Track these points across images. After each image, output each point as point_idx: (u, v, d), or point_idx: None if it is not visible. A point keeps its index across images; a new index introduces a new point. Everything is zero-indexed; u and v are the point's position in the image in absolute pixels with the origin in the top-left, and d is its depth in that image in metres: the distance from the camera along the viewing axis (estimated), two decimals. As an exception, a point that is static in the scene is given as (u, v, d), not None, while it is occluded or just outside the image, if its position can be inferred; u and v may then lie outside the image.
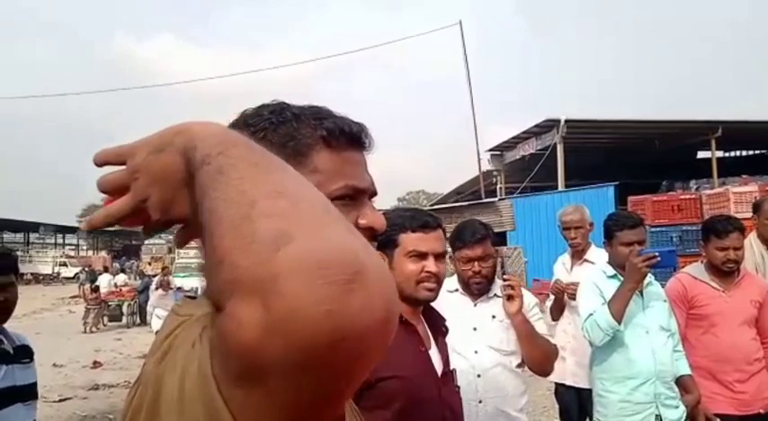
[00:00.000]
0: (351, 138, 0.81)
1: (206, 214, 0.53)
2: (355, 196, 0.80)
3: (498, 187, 20.70)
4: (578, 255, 3.78)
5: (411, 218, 1.81)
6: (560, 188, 16.68)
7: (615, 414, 2.74)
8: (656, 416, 2.68)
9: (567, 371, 3.44)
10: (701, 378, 2.89)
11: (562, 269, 3.91)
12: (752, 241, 3.65)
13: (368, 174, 0.84)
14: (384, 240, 1.78)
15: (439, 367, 1.74)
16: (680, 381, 2.82)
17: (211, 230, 0.51)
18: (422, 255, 1.77)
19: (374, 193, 0.85)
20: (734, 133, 16.32)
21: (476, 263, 2.45)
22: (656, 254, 2.64)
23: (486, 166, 20.76)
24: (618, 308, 2.67)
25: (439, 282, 1.82)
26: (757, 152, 22.02)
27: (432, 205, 26.27)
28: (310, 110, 0.82)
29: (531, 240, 14.77)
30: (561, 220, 3.90)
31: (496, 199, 17.28)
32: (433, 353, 1.76)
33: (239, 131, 0.77)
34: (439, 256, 1.81)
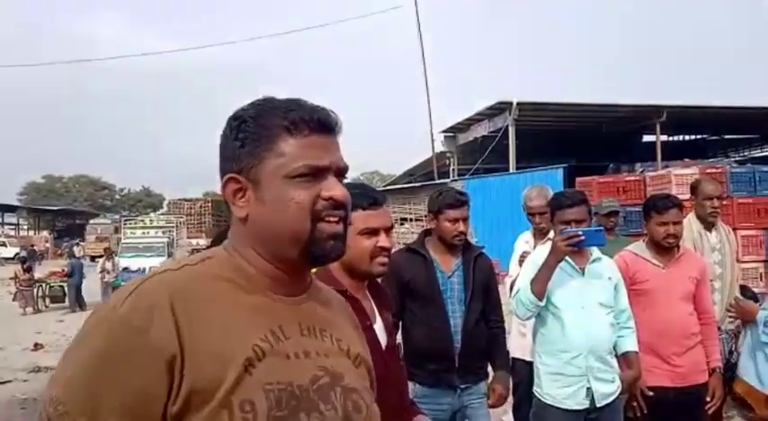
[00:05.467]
0: (313, 125, 0.96)
1: None
2: (316, 174, 0.96)
3: (451, 169, 20.87)
4: (542, 234, 3.83)
5: (360, 196, 1.81)
6: (511, 170, 16.94)
7: (548, 385, 2.81)
8: (588, 389, 2.75)
9: (528, 346, 3.48)
10: (642, 352, 2.97)
11: (525, 246, 3.96)
12: (690, 221, 3.77)
13: (333, 154, 0.99)
14: None
15: (383, 341, 1.75)
16: (624, 357, 2.90)
17: None
18: (374, 232, 1.80)
19: (340, 170, 1.00)
20: (677, 118, 16.84)
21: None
22: (580, 233, 2.66)
23: (440, 148, 20.89)
24: (537, 285, 2.72)
25: (390, 256, 1.87)
26: (698, 137, 22.85)
27: (385, 186, 26.31)
28: (286, 102, 0.99)
29: (483, 221, 14.97)
30: (527, 205, 3.93)
31: (449, 180, 17.42)
32: (378, 328, 1.77)
33: (228, 124, 1.00)
34: (388, 230, 1.84)
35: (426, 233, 3.03)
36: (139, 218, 34.84)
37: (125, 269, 15.52)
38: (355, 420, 0.96)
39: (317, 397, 0.92)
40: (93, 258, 28.34)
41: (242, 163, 0.96)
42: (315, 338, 0.98)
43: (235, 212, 0.98)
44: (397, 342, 1.90)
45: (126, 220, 32.85)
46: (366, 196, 1.82)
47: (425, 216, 3.07)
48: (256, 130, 0.96)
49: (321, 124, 0.98)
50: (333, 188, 0.97)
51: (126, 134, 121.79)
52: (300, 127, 0.96)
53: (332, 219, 0.97)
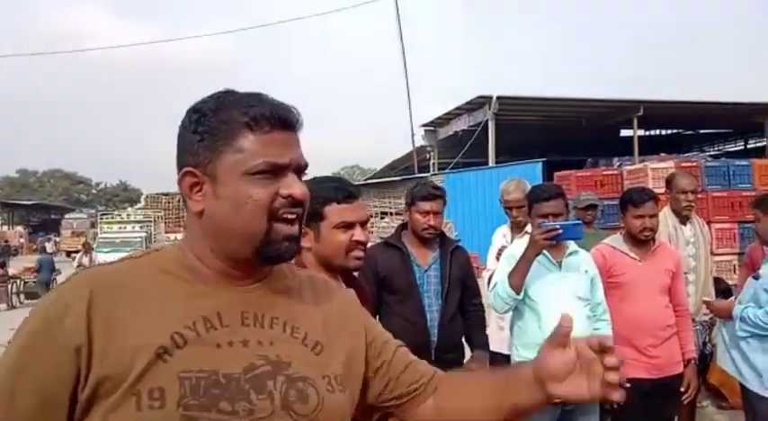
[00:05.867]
0: (274, 121, 0.96)
1: None
2: (276, 171, 0.95)
3: (431, 163, 20.90)
4: (519, 228, 3.83)
5: (335, 189, 1.81)
6: (491, 164, 17.01)
7: None
8: None
9: (506, 340, 3.48)
10: (618, 344, 2.99)
11: (502, 240, 3.97)
12: (666, 214, 3.82)
13: (293, 151, 0.98)
14: (311, 212, 1.76)
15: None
16: None
17: None
18: (349, 225, 1.80)
19: (300, 167, 0.99)
20: (654, 113, 17.04)
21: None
22: (557, 226, 2.66)
23: (420, 142, 20.89)
24: (515, 278, 2.73)
25: (365, 250, 1.86)
26: (675, 131, 23.16)
27: (366, 180, 26.28)
28: (247, 97, 0.97)
29: (463, 215, 15.05)
30: (504, 199, 3.94)
31: (429, 174, 17.45)
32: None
33: (187, 116, 0.98)
34: (364, 224, 1.83)
35: (403, 227, 3.02)
36: (116, 212, 34.41)
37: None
38: (298, 410, 0.93)
39: (248, 386, 0.91)
40: (68, 254, 27.93)
41: (200, 157, 0.96)
42: (260, 327, 0.97)
43: (190, 207, 0.98)
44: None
45: (102, 215, 32.41)
46: (341, 190, 1.81)
47: (404, 210, 3.05)
48: (216, 125, 0.95)
49: (282, 121, 0.97)
50: (292, 186, 0.97)
51: (104, 128, 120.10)
52: (261, 123, 0.95)
53: (289, 216, 0.97)
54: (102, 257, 16.89)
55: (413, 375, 1.14)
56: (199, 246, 0.99)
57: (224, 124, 0.95)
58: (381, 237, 3.22)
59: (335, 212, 1.78)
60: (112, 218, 29.93)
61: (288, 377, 0.94)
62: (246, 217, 0.94)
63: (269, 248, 0.96)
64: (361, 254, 1.82)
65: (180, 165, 0.98)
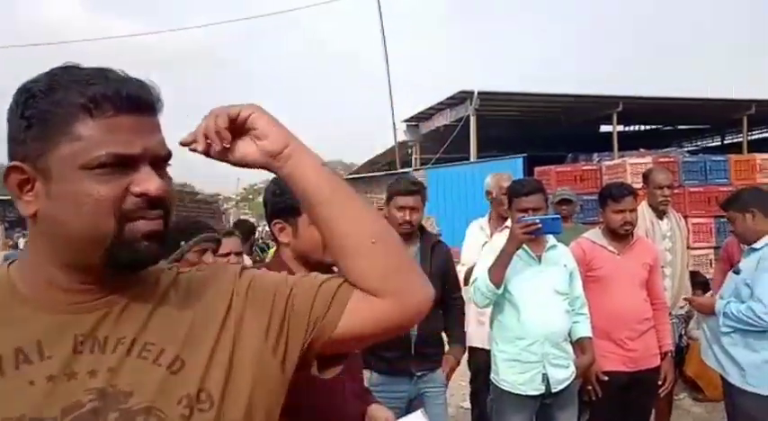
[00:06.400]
0: (120, 103, 0.79)
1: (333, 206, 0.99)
2: (124, 163, 0.79)
3: (414, 158, 20.91)
4: (502, 221, 3.80)
5: None
6: (472, 159, 17.06)
7: (505, 371, 2.84)
8: (543, 374, 2.79)
9: (486, 335, 3.49)
10: (596, 337, 3.03)
11: (480, 233, 3.95)
12: (643, 209, 3.86)
13: (147, 138, 0.81)
14: (288, 207, 1.75)
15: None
16: (578, 343, 2.95)
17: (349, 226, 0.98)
18: None
19: (159, 158, 0.83)
20: (633, 108, 17.20)
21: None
22: (537, 221, 2.68)
23: (403, 137, 20.87)
24: (495, 272, 2.74)
25: None
26: (654, 127, 23.40)
27: (348, 175, 26.20)
28: (89, 73, 0.80)
29: (444, 210, 15.06)
30: (499, 186, 3.90)
31: (411, 169, 17.44)
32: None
33: (14, 97, 0.80)
34: None
35: None
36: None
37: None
38: None
39: None
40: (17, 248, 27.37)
41: (29, 148, 0.79)
42: (99, 352, 0.80)
43: (21, 209, 0.81)
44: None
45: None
46: None
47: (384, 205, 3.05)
48: (47, 108, 0.77)
49: (131, 101, 0.79)
50: (145, 181, 0.79)
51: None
52: (103, 105, 0.78)
53: (148, 218, 0.81)
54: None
55: (323, 299, 0.93)
56: (35, 257, 0.83)
57: (57, 107, 0.77)
58: None
59: None
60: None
61: (124, 411, 0.77)
62: (87, 220, 0.77)
63: (122, 251, 0.79)
64: None
65: (10, 157, 0.81)
